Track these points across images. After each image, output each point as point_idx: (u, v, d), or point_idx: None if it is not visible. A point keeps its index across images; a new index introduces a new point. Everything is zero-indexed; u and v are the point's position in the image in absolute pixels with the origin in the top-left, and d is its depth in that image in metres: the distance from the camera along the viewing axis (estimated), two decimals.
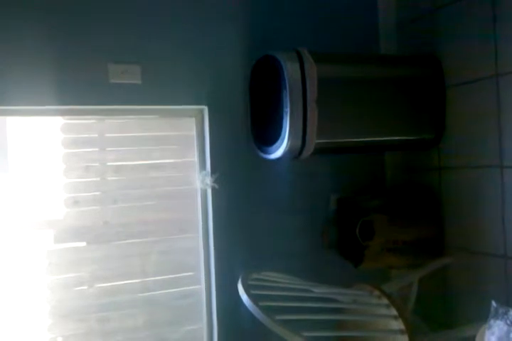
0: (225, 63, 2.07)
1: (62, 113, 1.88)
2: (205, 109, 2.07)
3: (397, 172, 2.33)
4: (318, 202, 2.20)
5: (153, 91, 1.96)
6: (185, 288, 1.96)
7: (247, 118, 2.08)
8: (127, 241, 1.85)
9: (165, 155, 1.99)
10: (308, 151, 1.87)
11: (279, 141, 1.84)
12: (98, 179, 1.84)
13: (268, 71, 1.90)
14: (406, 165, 2.30)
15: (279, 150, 1.85)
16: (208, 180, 2.01)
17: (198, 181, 2.05)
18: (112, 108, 1.95)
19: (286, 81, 1.79)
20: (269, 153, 1.92)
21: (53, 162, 1.79)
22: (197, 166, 2.07)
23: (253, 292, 1.46)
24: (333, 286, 1.68)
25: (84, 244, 1.81)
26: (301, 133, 1.81)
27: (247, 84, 2.07)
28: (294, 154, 1.88)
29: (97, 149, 1.85)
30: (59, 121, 1.84)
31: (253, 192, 2.09)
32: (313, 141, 1.84)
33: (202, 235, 2.07)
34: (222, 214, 2.05)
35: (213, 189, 2.03)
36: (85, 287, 1.82)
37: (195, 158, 2.07)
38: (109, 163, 1.85)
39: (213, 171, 2.04)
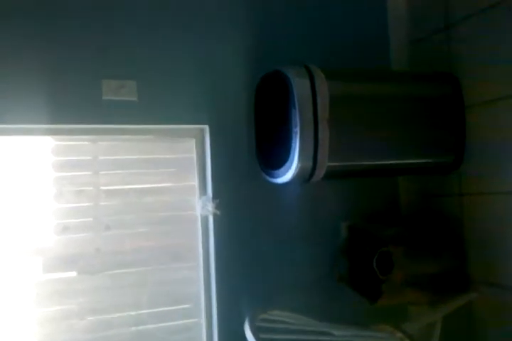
0: (228, 79, 1.95)
1: (52, 132, 1.77)
2: (206, 128, 1.95)
3: (412, 198, 2.18)
4: (328, 229, 2.05)
5: (151, 109, 1.83)
6: (182, 322, 1.85)
7: (252, 139, 1.96)
8: (120, 270, 1.76)
9: (162, 179, 1.89)
10: (319, 175, 1.73)
11: (287, 164, 1.70)
12: (90, 204, 1.75)
13: (275, 87, 1.77)
14: (422, 191, 2.15)
15: (287, 174, 1.71)
16: (210, 206, 1.89)
17: (199, 207, 1.92)
18: (105, 127, 1.82)
19: (296, 98, 1.65)
20: (277, 177, 1.79)
21: (43, 186, 1.71)
22: (197, 191, 1.95)
23: (263, 336, 1.32)
24: (352, 327, 1.52)
25: (74, 273, 1.72)
26: (312, 155, 1.67)
27: (252, 102, 1.95)
28: (303, 178, 1.74)
29: (89, 172, 1.76)
30: (49, 142, 1.74)
31: (258, 219, 1.96)
32: (325, 163, 1.70)
33: (202, 265, 1.94)
34: (225, 243, 1.92)
35: (215, 216, 1.91)
36: (75, 320, 1.72)
37: (195, 181, 1.95)
38: (102, 187, 1.76)
39: (215, 196, 1.91)
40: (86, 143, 1.78)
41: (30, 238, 1.69)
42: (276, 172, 1.78)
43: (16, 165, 1.73)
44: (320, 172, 1.73)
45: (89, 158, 1.78)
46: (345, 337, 1.48)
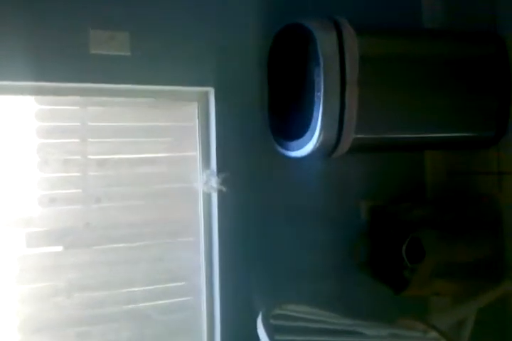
0: (238, 33, 1.73)
1: (33, 92, 1.59)
2: (211, 91, 1.74)
3: (439, 176, 2.01)
4: (347, 210, 1.89)
5: (146, 66, 1.62)
6: (176, 300, 1.77)
7: (265, 105, 1.77)
8: (111, 245, 1.69)
9: (159, 148, 1.75)
10: (343, 148, 1.56)
11: (307, 135, 1.53)
12: (79, 174, 1.66)
13: (295, 44, 1.59)
14: (451, 168, 1.99)
15: (306, 147, 1.54)
16: (214, 182, 1.73)
17: (201, 183, 1.76)
18: (92, 87, 1.61)
19: (320, 56, 1.46)
20: (293, 150, 1.62)
21: (27, 153, 1.60)
22: (199, 164, 1.78)
23: (279, 338, 1.12)
24: (383, 325, 1.36)
25: (61, 248, 1.65)
26: (337, 125, 1.49)
27: (265, 61, 1.74)
28: (325, 152, 1.57)
29: (77, 140, 1.65)
30: (33, 106, 1.60)
31: (269, 197, 1.79)
32: (352, 134, 1.53)
33: (204, 251, 1.80)
34: (231, 224, 1.76)
35: (220, 192, 1.74)
36: (61, 298, 1.65)
37: (196, 152, 1.79)
38: (91, 156, 1.66)
39: (220, 170, 1.74)
40: (74, 107, 1.65)
41: (13, 209, 1.61)
42: (293, 144, 1.61)
43: None
44: (345, 146, 1.56)
45: (77, 124, 1.66)
46: (378, 337, 1.33)
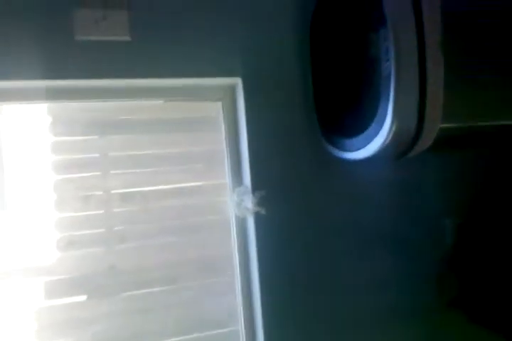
0: (271, 8, 1.45)
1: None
2: (239, 83, 1.46)
3: None
4: (427, 231, 1.59)
5: (150, 53, 1.35)
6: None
7: (309, 94, 1.48)
8: (140, 291, 1.58)
9: (186, 178, 1.62)
10: (425, 142, 1.21)
11: (373, 127, 1.21)
12: (101, 211, 1.56)
13: (345, 6, 1.30)
14: None
15: (372, 144, 1.23)
16: (248, 202, 1.48)
17: (232, 205, 1.53)
18: (78, 85, 1.36)
19: (386, 10, 1.11)
20: (353, 150, 1.32)
21: (42, 191, 1.52)
22: (229, 182, 1.55)
23: None
24: None
25: (83, 298, 1.56)
26: (417, 108, 1.15)
27: (306, 36, 1.46)
28: (399, 149, 1.25)
29: (98, 173, 1.56)
30: (48, 138, 1.49)
31: (321, 217, 1.52)
32: (438, 121, 1.17)
33: (241, 292, 1.58)
34: (273, 255, 1.50)
35: (257, 215, 1.48)
36: None
37: (225, 169, 1.56)
38: (114, 191, 1.56)
39: (256, 187, 1.48)
40: (93, 137, 1.56)
41: (29, 256, 1.53)
42: (353, 141, 1.31)
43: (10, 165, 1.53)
44: (427, 139, 1.20)
45: (96, 155, 1.57)
46: None
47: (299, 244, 1.50)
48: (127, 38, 1.31)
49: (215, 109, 1.56)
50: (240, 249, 1.58)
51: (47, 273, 1.52)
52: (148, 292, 1.58)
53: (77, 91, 1.40)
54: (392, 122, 1.15)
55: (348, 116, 1.32)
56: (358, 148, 1.29)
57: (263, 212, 1.45)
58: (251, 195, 1.47)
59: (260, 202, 1.46)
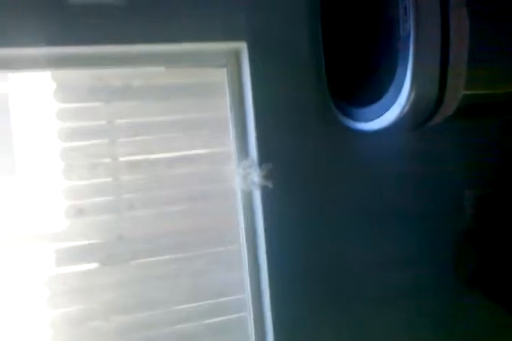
0: None
1: None
2: (244, 48, 1.36)
3: None
4: (444, 204, 1.49)
5: (149, 18, 1.27)
6: (226, 318, 1.65)
7: (319, 58, 1.37)
8: (150, 259, 1.59)
9: (193, 145, 1.60)
10: (447, 110, 1.11)
11: (390, 94, 1.10)
12: (109, 179, 1.57)
13: None
14: None
15: (389, 113, 1.12)
16: (255, 175, 1.41)
17: (238, 178, 1.47)
18: (74, 52, 1.29)
19: None
20: (368, 120, 1.21)
21: (49, 159, 1.56)
22: (234, 153, 1.50)
23: None
24: None
25: (94, 265, 1.58)
26: (439, 73, 1.05)
27: None
28: (418, 118, 1.14)
29: (106, 140, 1.56)
30: (53, 105, 1.47)
31: (332, 192, 1.43)
32: (461, 87, 1.08)
33: (248, 264, 1.55)
34: (280, 231, 1.44)
35: (264, 189, 1.41)
36: (98, 321, 1.58)
37: (230, 138, 1.52)
38: (122, 158, 1.56)
39: (263, 159, 1.40)
40: (97, 104, 1.54)
41: (38, 224, 1.56)
42: (368, 110, 1.20)
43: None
44: (449, 106, 1.10)
45: (103, 122, 1.56)
46: None
47: (307, 219, 1.43)
48: (124, 1, 1.22)
49: (221, 75, 1.48)
50: (246, 222, 1.54)
51: (57, 240, 1.53)
52: (158, 260, 1.58)
53: (75, 58, 1.34)
54: (411, 89, 1.04)
55: (363, 83, 1.22)
56: (373, 118, 1.18)
57: (270, 185, 1.38)
58: (257, 168, 1.40)
59: (267, 176, 1.39)
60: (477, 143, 1.50)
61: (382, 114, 1.14)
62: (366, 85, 1.19)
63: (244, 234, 1.56)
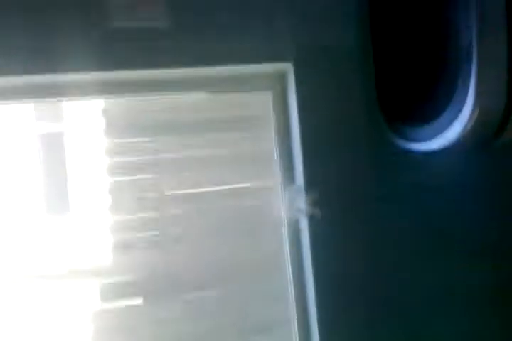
0: None
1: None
2: (290, 69, 1.31)
3: None
4: None
5: (191, 41, 1.24)
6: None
7: (370, 75, 1.29)
8: (197, 293, 1.56)
9: (237, 178, 1.57)
10: None
11: (449, 111, 1.02)
12: (155, 214, 1.55)
13: None
14: None
15: (450, 130, 1.03)
16: (301, 203, 1.33)
17: (284, 205, 1.40)
18: (115, 77, 1.28)
19: None
20: (425, 139, 1.11)
21: (97, 194, 1.56)
22: (280, 180, 1.43)
23: None
24: None
25: (140, 300, 1.55)
26: (506, 83, 0.96)
27: (366, 9, 1.27)
28: (485, 134, 1.04)
29: (152, 175, 1.55)
30: (103, 140, 1.50)
31: (386, 220, 1.31)
32: None
33: (295, 297, 1.46)
34: (327, 261, 1.33)
35: (311, 218, 1.32)
36: None
37: (274, 168, 1.47)
38: (168, 193, 1.55)
39: (310, 187, 1.32)
40: (146, 139, 1.56)
41: (85, 259, 1.55)
42: (425, 129, 1.10)
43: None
44: None
45: (150, 157, 1.56)
46: None
47: (360, 250, 1.31)
48: (166, 24, 1.20)
49: (264, 105, 1.45)
50: (292, 253, 1.46)
51: (103, 275, 1.51)
52: (203, 296, 1.54)
53: (119, 83, 1.32)
54: (475, 104, 0.96)
55: (418, 100, 1.13)
56: (431, 138, 1.08)
57: (318, 214, 1.29)
58: (304, 195, 1.32)
59: (314, 203, 1.30)
60: None
61: (441, 133, 1.05)
62: (422, 102, 1.11)
63: (290, 267, 1.47)
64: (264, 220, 1.54)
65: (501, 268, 1.34)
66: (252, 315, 1.58)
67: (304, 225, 1.35)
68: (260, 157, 1.54)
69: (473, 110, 0.96)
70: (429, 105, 1.07)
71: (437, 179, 1.27)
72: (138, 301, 1.53)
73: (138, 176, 1.53)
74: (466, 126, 0.98)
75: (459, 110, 0.98)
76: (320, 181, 1.31)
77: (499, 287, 1.31)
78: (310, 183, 1.32)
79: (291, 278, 1.51)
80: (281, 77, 1.36)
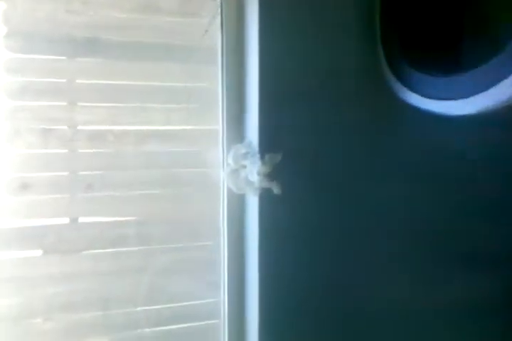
0: None
1: None
2: None
3: None
4: None
5: None
6: (196, 324, 1.49)
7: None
8: (105, 250, 1.44)
9: (172, 119, 1.41)
10: None
11: (500, 57, 0.67)
12: (64, 151, 1.41)
13: None
14: None
15: (499, 86, 0.67)
16: (253, 171, 0.97)
17: (225, 172, 1.12)
18: None
19: None
20: (456, 97, 0.76)
21: None
22: (222, 132, 1.20)
23: None
24: None
25: (39, 253, 1.43)
26: None
27: None
28: None
29: (64, 103, 1.38)
30: (2, 54, 1.32)
31: (372, 200, 1.02)
32: None
33: (228, 267, 1.34)
34: (278, 249, 1.05)
35: (265, 195, 0.99)
36: (39, 320, 1.44)
37: (219, 111, 1.26)
38: (81, 127, 1.41)
39: (268, 147, 0.97)
40: (59, 57, 1.39)
41: None
42: (457, 82, 0.77)
43: None
44: None
45: (63, 80, 1.40)
46: None
47: (328, 244, 1.01)
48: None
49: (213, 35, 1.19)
50: (231, 225, 1.22)
51: None
52: (116, 252, 1.45)
53: None
54: None
55: (447, 38, 0.78)
56: (466, 95, 0.72)
57: (276, 190, 0.92)
58: (258, 160, 0.96)
59: (273, 173, 0.92)
60: None
61: (482, 90, 0.68)
62: (458, 34, 0.76)
63: (226, 236, 1.27)
64: (198, 173, 1.34)
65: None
66: (175, 279, 1.45)
67: (253, 203, 1.01)
68: (200, 95, 1.31)
69: None
70: (468, 49, 0.73)
71: (454, 153, 0.92)
72: (37, 253, 1.43)
73: (45, 102, 1.35)
74: None
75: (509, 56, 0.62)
76: (284, 140, 0.94)
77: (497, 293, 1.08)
78: (268, 142, 0.95)
79: (226, 243, 1.30)
80: None
